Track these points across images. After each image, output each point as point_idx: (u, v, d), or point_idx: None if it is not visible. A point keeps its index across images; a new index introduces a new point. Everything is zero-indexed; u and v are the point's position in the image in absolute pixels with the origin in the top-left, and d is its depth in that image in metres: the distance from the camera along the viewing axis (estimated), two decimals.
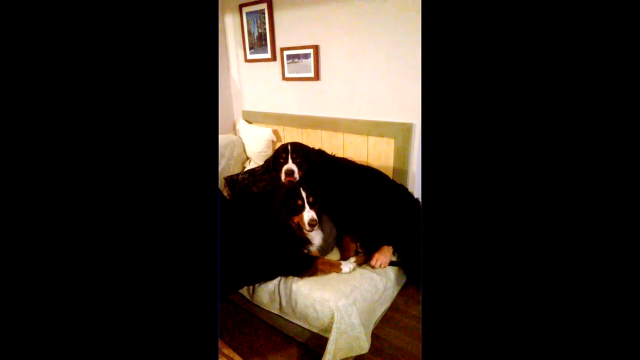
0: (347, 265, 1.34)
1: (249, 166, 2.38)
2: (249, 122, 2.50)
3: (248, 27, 2.22)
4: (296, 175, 1.67)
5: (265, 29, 2.11)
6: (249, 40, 2.26)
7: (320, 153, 1.78)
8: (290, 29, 2.01)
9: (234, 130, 2.63)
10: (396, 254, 1.51)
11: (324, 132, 2.07)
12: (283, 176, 1.69)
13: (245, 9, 2.17)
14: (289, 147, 1.72)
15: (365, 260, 1.45)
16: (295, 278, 1.33)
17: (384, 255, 1.43)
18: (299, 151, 1.72)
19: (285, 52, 2.06)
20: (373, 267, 1.41)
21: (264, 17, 2.08)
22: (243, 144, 2.45)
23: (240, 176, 2.16)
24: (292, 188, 1.36)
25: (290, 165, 1.69)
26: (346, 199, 1.57)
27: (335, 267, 1.33)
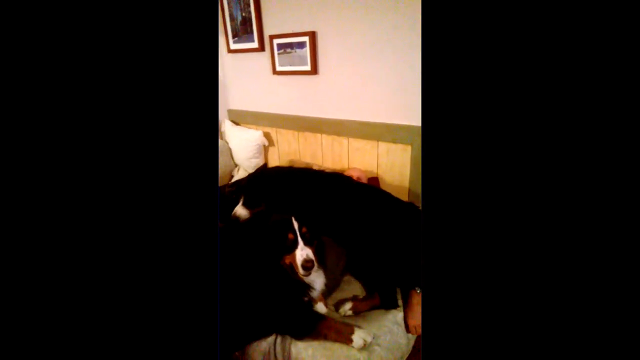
0: (360, 337, 0.99)
1: (238, 175, 2.07)
2: (236, 124, 2.18)
3: (230, 10, 1.87)
4: None
5: (250, 12, 1.77)
6: (231, 27, 1.92)
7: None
8: (280, 12, 1.68)
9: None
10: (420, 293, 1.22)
11: (324, 136, 1.77)
12: None
13: None
14: None
15: (371, 304, 1.17)
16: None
17: (418, 311, 1.14)
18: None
19: (275, 41, 1.74)
20: (414, 333, 1.15)
21: None
22: (230, 149, 2.12)
23: (227, 189, 1.87)
24: (282, 218, 1.09)
25: None
26: (342, 224, 1.28)
27: (344, 338, 1.01)
